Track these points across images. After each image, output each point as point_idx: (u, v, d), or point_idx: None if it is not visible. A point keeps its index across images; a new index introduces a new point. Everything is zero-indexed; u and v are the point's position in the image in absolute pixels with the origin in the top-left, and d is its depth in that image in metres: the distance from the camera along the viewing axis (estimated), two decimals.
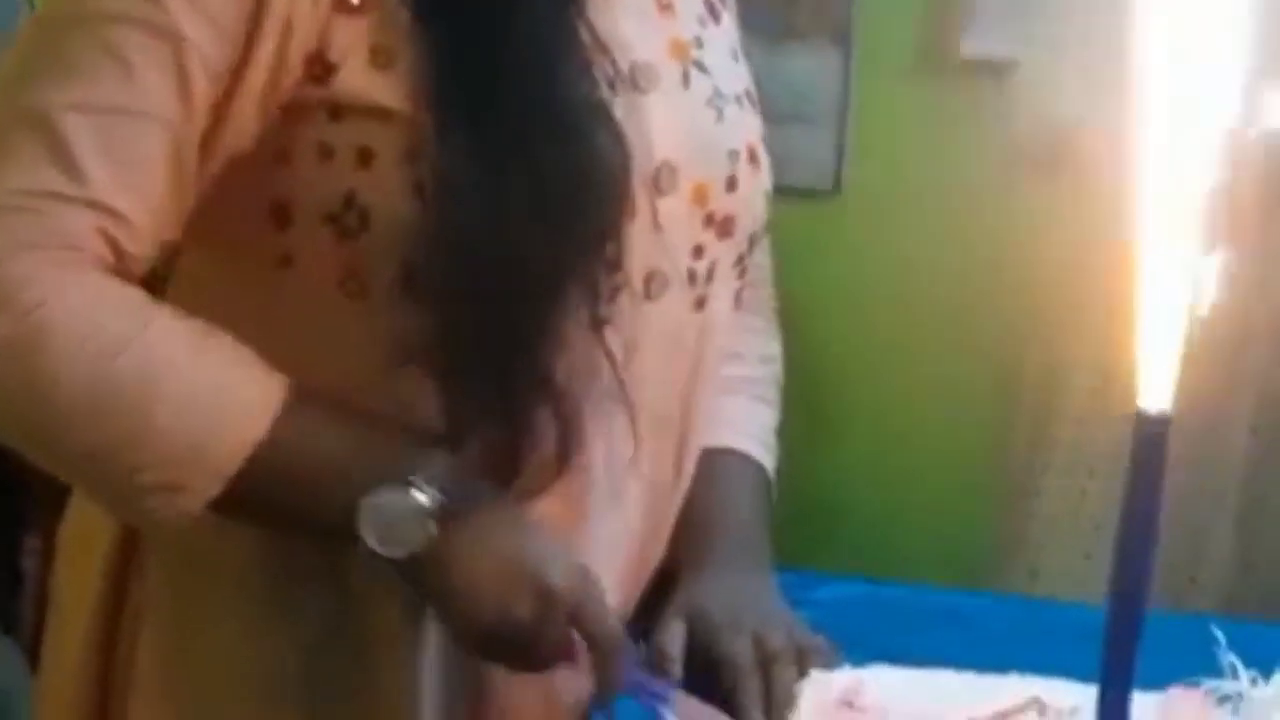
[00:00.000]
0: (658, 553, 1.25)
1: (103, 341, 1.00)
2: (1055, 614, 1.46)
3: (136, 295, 1.03)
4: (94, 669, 1.19)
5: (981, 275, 2.61)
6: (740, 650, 1.16)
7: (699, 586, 1.23)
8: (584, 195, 1.06)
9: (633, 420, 1.14)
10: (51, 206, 1.00)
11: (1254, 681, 0.90)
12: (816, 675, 1.09)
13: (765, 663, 1.15)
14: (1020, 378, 2.16)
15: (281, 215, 1.07)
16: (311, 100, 1.04)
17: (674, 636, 1.18)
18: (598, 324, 1.09)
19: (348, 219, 1.05)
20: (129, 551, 1.18)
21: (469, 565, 1.06)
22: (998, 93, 2.16)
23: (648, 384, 1.16)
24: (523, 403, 1.07)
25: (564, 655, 1.10)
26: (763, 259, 1.32)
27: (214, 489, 1.02)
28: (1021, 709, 1.04)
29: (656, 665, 1.17)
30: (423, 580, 1.07)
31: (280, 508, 1.06)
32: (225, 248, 1.11)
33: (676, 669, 1.16)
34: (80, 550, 1.22)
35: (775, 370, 1.38)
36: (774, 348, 1.39)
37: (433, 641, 1.15)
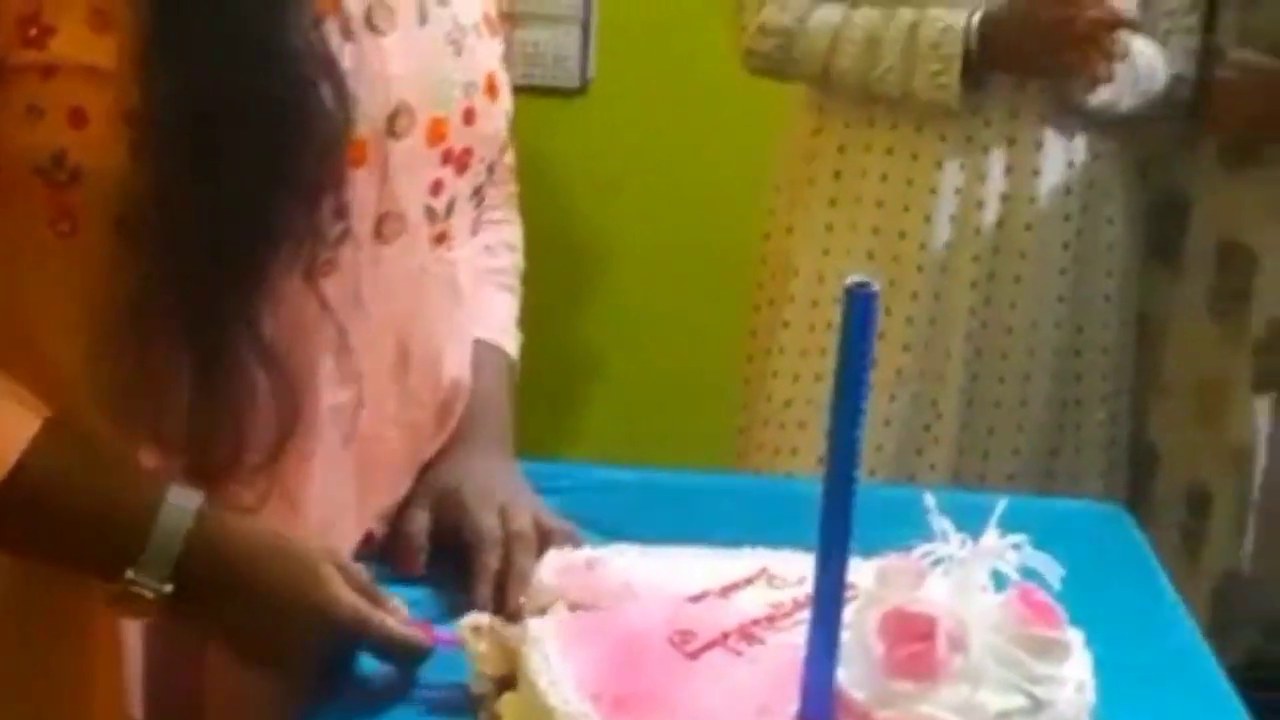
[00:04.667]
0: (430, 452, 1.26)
1: None
2: (787, 490, 1.52)
3: None
4: None
5: (723, 170, 2.66)
6: (488, 525, 1.18)
7: (451, 468, 1.24)
8: (301, 148, 1.04)
9: (349, 365, 1.13)
10: None
11: (963, 544, 0.94)
12: (556, 553, 1.12)
13: (507, 540, 1.17)
14: (760, 268, 2.21)
15: None
16: (23, 62, 1.02)
17: (419, 525, 1.20)
18: (321, 272, 1.08)
19: (58, 174, 1.03)
20: None
21: (247, 589, 1.06)
22: None
23: (393, 323, 1.16)
24: (233, 354, 1.05)
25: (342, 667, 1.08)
26: (506, 157, 1.31)
27: None
28: (752, 579, 1.08)
29: (403, 556, 1.19)
30: (200, 603, 1.06)
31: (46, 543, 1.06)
32: None
33: (422, 558, 1.19)
34: None
35: (518, 259, 1.40)
36: (516, 237, 1.40)
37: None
